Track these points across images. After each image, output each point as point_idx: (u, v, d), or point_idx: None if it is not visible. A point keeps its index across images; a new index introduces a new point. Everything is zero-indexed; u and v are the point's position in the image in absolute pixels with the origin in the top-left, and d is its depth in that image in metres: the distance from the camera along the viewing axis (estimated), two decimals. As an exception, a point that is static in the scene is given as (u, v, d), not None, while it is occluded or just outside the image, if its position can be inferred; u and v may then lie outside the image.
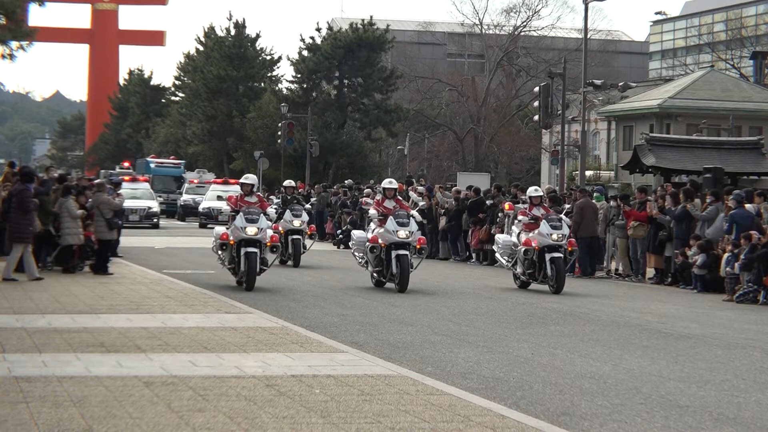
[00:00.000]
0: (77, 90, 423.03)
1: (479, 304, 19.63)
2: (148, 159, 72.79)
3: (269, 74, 79.79)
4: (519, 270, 23.62)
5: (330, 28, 73.89)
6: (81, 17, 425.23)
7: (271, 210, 22.58)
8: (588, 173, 56.71)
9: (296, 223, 29.14)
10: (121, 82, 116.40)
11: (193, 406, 9.60)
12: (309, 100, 70.33)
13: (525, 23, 79.49)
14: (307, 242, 30.08)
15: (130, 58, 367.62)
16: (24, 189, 22.07)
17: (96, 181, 27.86)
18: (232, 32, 78.63)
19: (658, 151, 37.65)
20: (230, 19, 79.28)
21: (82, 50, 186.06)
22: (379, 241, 22.12)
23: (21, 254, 21.70)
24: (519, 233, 23.87)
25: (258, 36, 79.46)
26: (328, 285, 23.51)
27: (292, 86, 73.05)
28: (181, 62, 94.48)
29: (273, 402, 9.87)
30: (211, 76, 75.75)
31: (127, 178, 52.20)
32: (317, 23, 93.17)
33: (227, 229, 21.95)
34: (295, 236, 29.01)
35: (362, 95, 71.09)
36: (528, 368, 12.74)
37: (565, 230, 23.18)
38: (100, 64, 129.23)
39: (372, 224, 23.15)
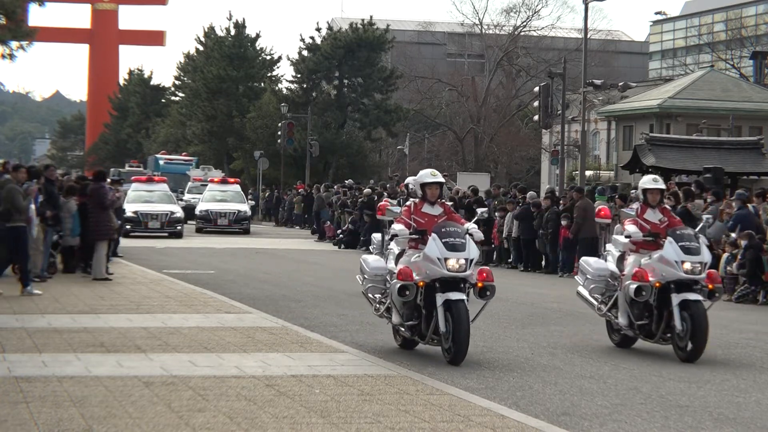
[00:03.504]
0: (77, 90, 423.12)
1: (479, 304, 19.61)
2: (157, 156, 68.82)
3: (269, 74, 79.78)
4: None
5: (330, 28, 73.92)
6: (81, 17, 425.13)
7: (472, 226, 13.60)
8: (588, 173, 56.69)
9: None
10: (121, 82, 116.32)
11: (193, 406, 9.60)
12: (309, 100, 70.35)
13: (525, 23, 79.54)
14: None
15: (130, 58, 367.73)
16: (100, 187, 22.72)
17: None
18: (232, 32, 78.61)
19: (658, 151, 37.71)
20: (230, 19, 79.30)
21: (82, 50, 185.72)
22: (650, 278, 14.00)
23: (104, 251, 22.28)
24: None
25: (258, 36, 79.47)
26: (328, 285, 23.50)
27: (292, 86, 73.10)
28: (181, 62, 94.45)
29: (273, 402, 9.88)
30: (211, 76, 75.73)
31: (143, 178, 46.08)
32: (317, 23, 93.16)
33: (394, 259, 13.86)
34: None
35: (362, 95, 71.13)
36: (528, 368, 12.74)
37: None
38: (100, 64, 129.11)
39: (611, 247, 15.39)
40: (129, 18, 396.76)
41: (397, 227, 13.43)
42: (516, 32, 79.17)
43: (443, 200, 14.11)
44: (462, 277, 12.99)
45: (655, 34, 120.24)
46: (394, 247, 13.96)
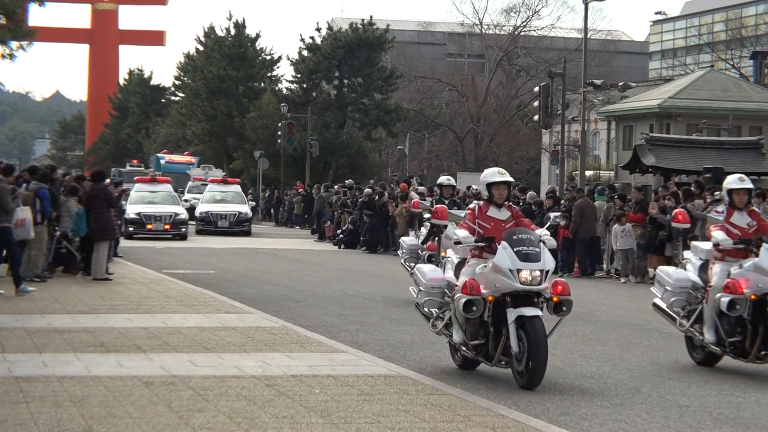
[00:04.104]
0: (77, 90, 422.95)
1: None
2: (159, 155, 68.54)
3: (269, 74, 79.78)
4: None
5: (330, 28, 73.93)
6: (81, 17, 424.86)
7: (544, 233, 11.91)
8: (588, 173, 56.69)
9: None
10: (121, 82, 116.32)
11: (193, 406, 9.60)
12: (309, 100, 70.36)
13: (525, 23, 79.65)
14: None
15: (130, 58, 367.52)
16: (104, 187, 22.99)
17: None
18: (232, 32, 78.60)
19: (658, 151, 37.67)
20: (230, 19, 79.25)
21: (82, 50, 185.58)
22: (745, 290, 12.63)
23: (105, 251, 22.40)
24: None
25: (258, 36, 79.44)
26: (328, 285, 23.50)
27: (292, 86, 73.10)
28: (181, 62, 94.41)
29: (273, 402, 9.88)
30: (211, 76, 75.73)
31: (146, 178, 45.16)
32: (317, 23, 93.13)
33: (453, 269, 12.46)
34: None
35: (362, 95, 71.15)
36: (528, 368, 12.72)
37: None
38: (100, 64, 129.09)
39: (691, 255, 13.81)
40: (129, 18, 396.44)
41: (461, 233, 11.83)
42: (516, 32, 79.23)
43: (510, 203, 12.43)
44: (539, 290, 11.43)
45: (655, 34, 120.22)
46: (453, 256, 12.53)
